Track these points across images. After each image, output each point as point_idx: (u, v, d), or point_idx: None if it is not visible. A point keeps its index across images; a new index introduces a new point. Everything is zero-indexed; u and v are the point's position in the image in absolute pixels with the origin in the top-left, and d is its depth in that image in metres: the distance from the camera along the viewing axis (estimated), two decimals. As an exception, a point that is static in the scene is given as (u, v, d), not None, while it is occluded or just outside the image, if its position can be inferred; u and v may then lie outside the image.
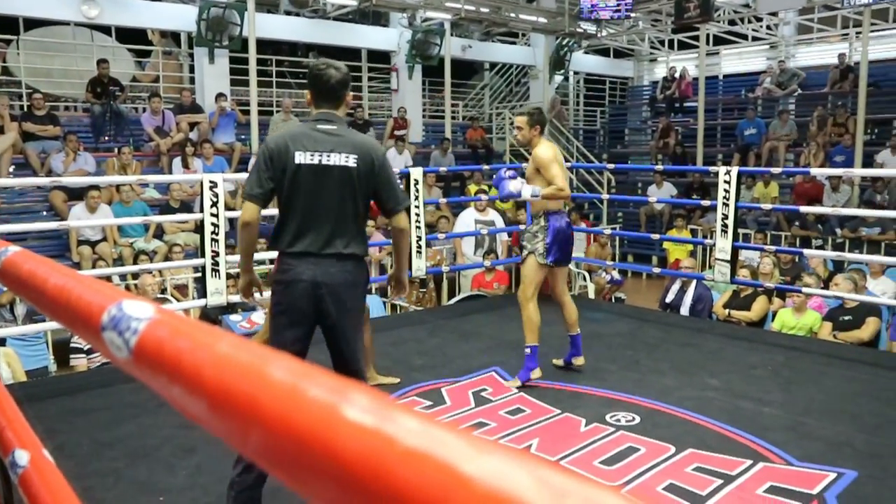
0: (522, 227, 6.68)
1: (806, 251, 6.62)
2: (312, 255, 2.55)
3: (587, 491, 0.25)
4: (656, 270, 7.21)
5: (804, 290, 5.54)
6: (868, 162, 9.91)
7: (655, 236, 7.74)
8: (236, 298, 5.44)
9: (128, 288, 6.76)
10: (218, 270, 4.72)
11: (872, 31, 11.56)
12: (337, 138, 2.57)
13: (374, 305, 7.04)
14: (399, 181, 2.81)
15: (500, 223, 7.78)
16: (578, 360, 4.27)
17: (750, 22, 14.00)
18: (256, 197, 2.58)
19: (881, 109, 11.36)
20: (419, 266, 5.64)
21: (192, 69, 11.19)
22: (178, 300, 6.28)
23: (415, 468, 0.28)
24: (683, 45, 15.34)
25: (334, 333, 2.63)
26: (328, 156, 2.54)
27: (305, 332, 2.61)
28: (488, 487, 0.26)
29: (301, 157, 2.54)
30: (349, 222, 2.58)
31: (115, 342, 0.57)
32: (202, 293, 4.91)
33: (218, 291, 4.75)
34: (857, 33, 12.49)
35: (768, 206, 6.65)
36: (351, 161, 2.55)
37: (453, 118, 12.94)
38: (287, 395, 0.35)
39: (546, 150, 3.99)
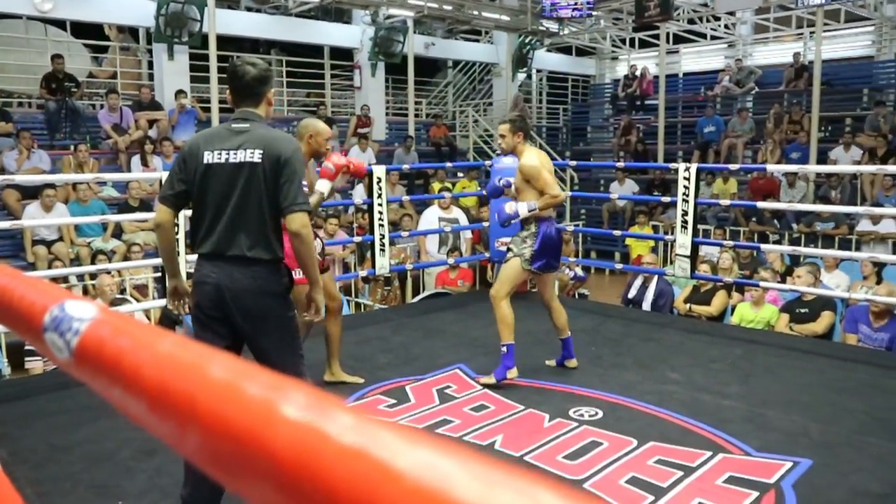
0: (485, 224, 6.70)
1: (763, 246, 6.75)
2: (218, 258, 2.47)
3: (516, 483, 0.25)
4: (619, 266, 7.30)
5: (762, 284, 5.65)
6: (823, 158, 10.15)
7: (617, 233, 7.83)
8: (197, 298, 5.38)
9: (85, 289, 6.62)
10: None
11: (825, 32, 11.85)
12: (246, 135, 2.48)
13: (339, 304, 7.01)
14: (302, 184, 2.51)
15: (463, 221, 7.79)
16: (571, 363, 4.26)
17: (708, 21, 14.23)
18: (166, 199, 2.56)
19: (834, 107, 11.65)
20: (382, 264, 5.62)
21: (150, 65, 11.00)
22: (137, 300, 6.17)
23: (349, 465, 0.28)
24: (644, 44, 15.53)
25: (249, 344, 2.54)
26: (234, 153, 2.45)
27: (219, 337, 2.49)
28: (419, 481, 0.26)
29: (209, 157, 2.48)
30: (256, 223, 2.45)
31: (57, 343, 0.56)
32: (162, 293, 4.83)
33: (178, 291, 4.67)
34: (811, 33, 12.78)
35: (726, 202, 6.77)
36: (256, 157, 2.43)
37: (416, 116, 12.94)
38: (225, 393, 0.35)
39: (532, 157, 3.95)
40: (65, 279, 6.62)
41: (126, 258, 6.93)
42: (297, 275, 2.84)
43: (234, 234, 2.46)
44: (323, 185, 3.58)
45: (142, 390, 0.40)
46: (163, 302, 4.83)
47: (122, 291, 6.40)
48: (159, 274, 4.96)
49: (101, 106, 9.58)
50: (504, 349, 3.98)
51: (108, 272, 5.85)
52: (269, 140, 2.48)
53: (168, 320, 6.11)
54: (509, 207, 4.07)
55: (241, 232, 2.45)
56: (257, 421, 0.32)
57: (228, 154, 2.47)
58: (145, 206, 7.83)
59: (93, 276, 6.20)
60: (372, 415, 0.31)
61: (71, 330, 0.55)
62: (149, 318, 6.02)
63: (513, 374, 3.99)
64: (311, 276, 2.60)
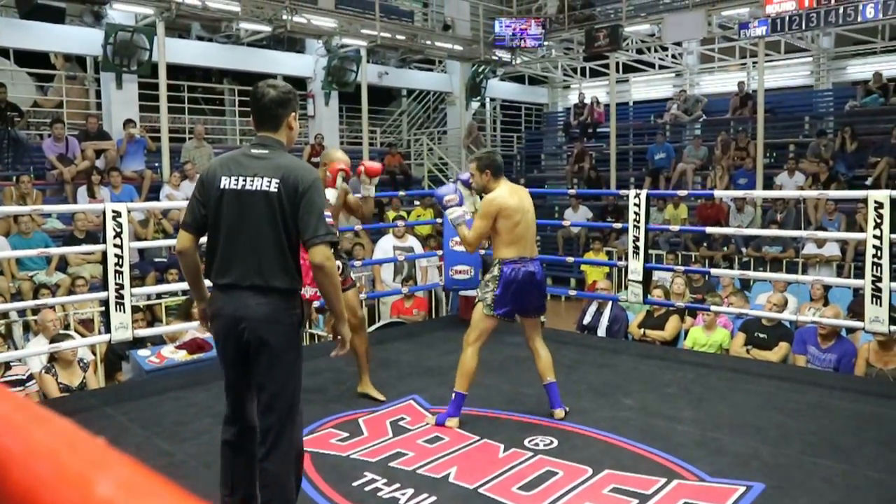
0: (440, 252, 6.68)
1: (713, 270, 6.86)
2: (234, 288, 2.44)
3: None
4: (572, 293, 7.35)
5: (713, 308, 5.74)
6: (769, 184, 10.44)
7: (570, 259, 7.88)
8: (143, 332, 5.21)
9: (27, 325, 6.38)
10: (122, 304, 4.51)
11: (767, 62, 12.26)
12: (264, 162, 2.42)
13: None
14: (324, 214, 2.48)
15: (418, 249, 7.76)
16: (557, 413, 3.88)
17: (656, 51, 14.62)
18: (188, 225, 2.54)
19: (778, 134, 12.03)
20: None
21: (98, 94, 10.80)
22: (83, 335, 5.96)
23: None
24: (595, 73, 15.86)
25: (253, 372, 2.47)
26: (251, 180, 2.40)
27: (239, 366, 2.49)
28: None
29: (225, 183, 2.43)
30: (272, 252, 2.41)
31: None
32: (108, 328, 4.68)
33: (123, 326, 4.53)
34: (754, 63, 13.22)
35: (676, 228, 6.88)
36: (273, 186, 2.38)
37: (371, 144, 12.94)
38: (43, 464, 0.30)
39: (487, 200, 3.73)
40: (4, 315, 6.37)
41: (71, 292, 6.71)
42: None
43: (253, 266, 2.42)
44: (328, 194, 3.73)
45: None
46: (108, 337, 4.68)
47: (67, 327, 6.18)
48: (104, 308, 4.80)
49: (49, 135, 9.34)
50: (453, 395, 3.78)
51: (51, 307, 5.66)
52: (287, 169, 2.42)
53: (114, 355, 5.91)
54: (449, 196, 3.96)
55: (259, 263, 2.41)
56: (68, 499, 0.28)
57: (245, 181, 2.42)
58: (92, 237, 7.60)
59: (35, 311, 5.99)
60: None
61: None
62: (94, 354, 5.82)
63: (452, 423, 3.75)
64: (336, 310, 2.55)
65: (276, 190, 2.38)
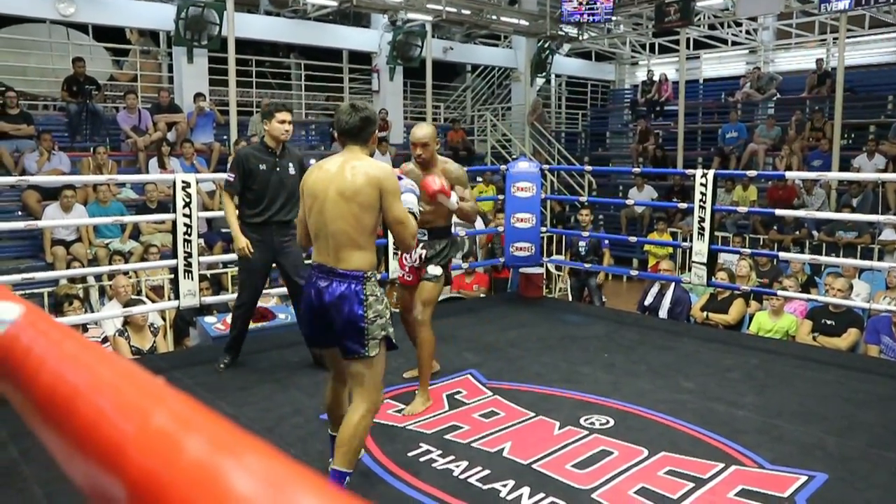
0: (500, 228, 6.66)
1: (782, 254, 6.64)
2: None
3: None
4: (634, 273, 7.23)
5: (779, 293, 5.57)
6: (846, 166, 10.00)
7: (633, 239, 7.74)
8: (210, 300, 5.39)
9: (102, 289, 6.67)
10: (191, 271, 4.66)
11: (849, 38, 11.69)
12: None
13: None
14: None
15: (479, 225, 7.76)
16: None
17: (730, 27, 14.12)
18: None
19: (857, 115, 11.48)
20: (395, 267, 5.60)
21: (170, 68, 11.09)
22: (154, 301, 6.21)
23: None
24: (664, 49, 15.43)
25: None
26: None
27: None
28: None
29: None
30: None
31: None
32: (177, 294, 4.85)
33: (190, 293, 4.69)
34: (835, 39, 12.62)
35: (744, 210, 6.68)
36: None
37: (435, 120, 12.93)
38: (163, 446, 0.31)
39: None
40: (83, 279, 6.68)
41: (143, 259, 6.97)
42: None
43: None
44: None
45: (61, 414, 0.37)
46: (176, 303, 4.85)
47: (139, 293, 6.44)
48: (173, 276, 4.98)
49: (123, 107, 9.65)
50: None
51: (125, 273, 5.89)
52: None
53: (183, 321, 6.14)
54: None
55: None
56: (197, 490, 0.28)
57: None
58: (163, 207, 7.86)
59: (110, 276, 6.25)
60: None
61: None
62: (164, 319, 6.05)
63: None
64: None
65: None
